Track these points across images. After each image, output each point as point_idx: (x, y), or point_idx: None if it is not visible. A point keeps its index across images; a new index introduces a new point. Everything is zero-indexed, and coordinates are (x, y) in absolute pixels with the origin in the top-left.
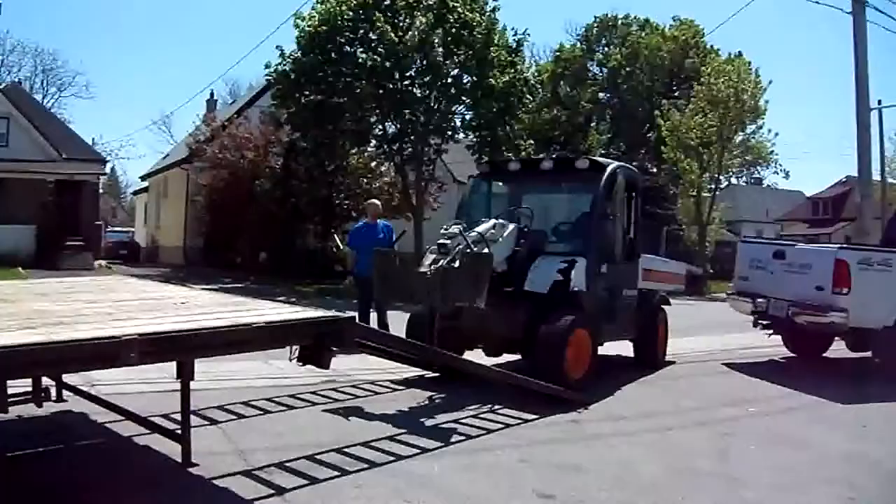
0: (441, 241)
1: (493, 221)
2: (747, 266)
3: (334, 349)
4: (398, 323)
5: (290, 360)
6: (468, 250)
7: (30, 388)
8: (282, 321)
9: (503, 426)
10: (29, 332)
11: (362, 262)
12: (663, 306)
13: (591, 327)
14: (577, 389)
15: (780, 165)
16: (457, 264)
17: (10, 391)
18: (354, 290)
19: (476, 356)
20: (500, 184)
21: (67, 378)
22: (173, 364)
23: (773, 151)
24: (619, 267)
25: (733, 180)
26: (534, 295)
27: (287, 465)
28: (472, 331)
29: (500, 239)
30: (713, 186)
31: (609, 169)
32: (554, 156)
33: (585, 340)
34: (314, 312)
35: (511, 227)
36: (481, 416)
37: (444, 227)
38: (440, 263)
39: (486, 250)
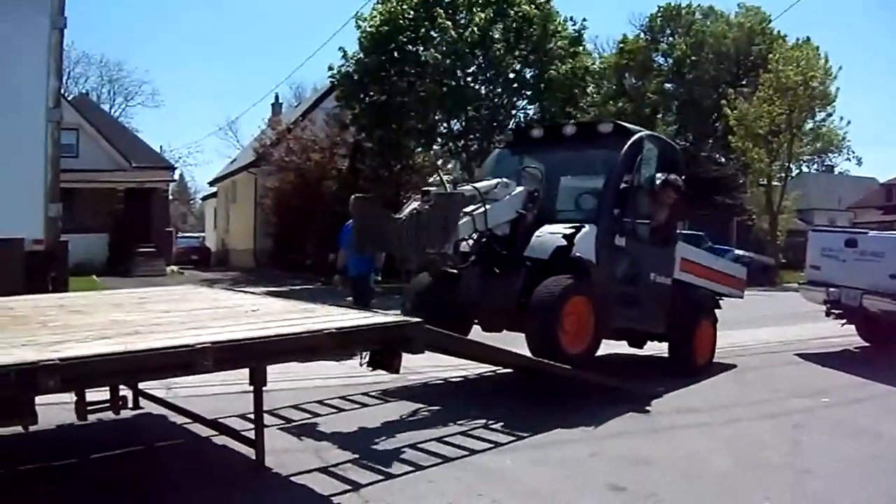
0: (425, 188)
1: (497, 180)
2: (819, 255)
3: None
4: None
5: (361, 364)
6: (441, 193)
7: (107, 396)
8: (351, 327)
9: (572, 420)
10: (106, 342)
11: (351, 261)
12: (712, 307)
13: (597, 299)
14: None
15: (853, 152)
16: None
17: (87, 399)
18: (342, 289)
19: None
20: (526, 154)
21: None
22: None
23: (844, 138)
24: (644, 246)
25: (804, 168)
26: (534, 262)
27: (361, 461)
28: (468, 301)
29: (505, 198)
30: (783, 175)
31: (636, 135)
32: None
33: (587, 311)
34: (383, 318)
35: (519, 189)
36: (550, 410)
37: (434, 178)
38: (415, 208)
39: (485, 207)
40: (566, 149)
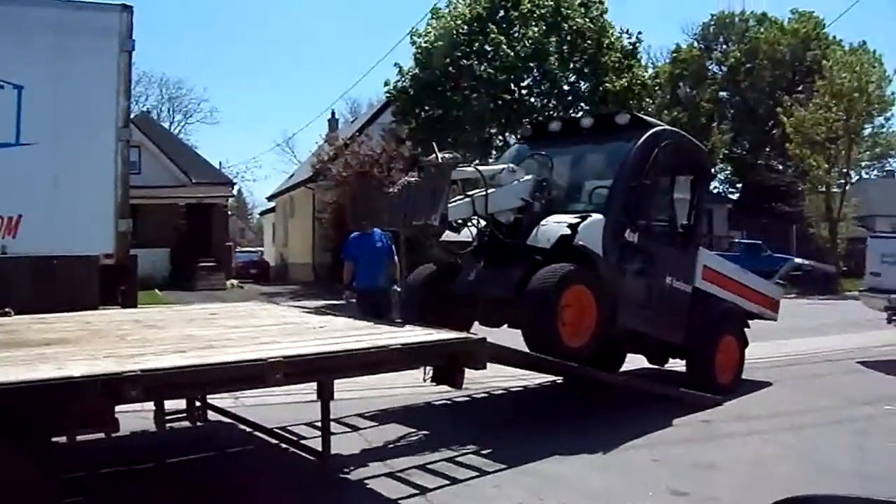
0: (420, 164)
1: (503, 166)
2: (879, 261)
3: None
4: None
5: (424, 380)
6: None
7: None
8: (416, 343)
9: (633, 427)
10: (182, 356)
11: (362, 273)
12: (739, 325)
13: (601, 290)
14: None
15: None
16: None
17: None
18: (354, 305)
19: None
20: (545, 148)
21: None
22: None
23: None
24: (660, 246)
25: (864, 174)
26: (537, 252)
27: (428, 466)
28: (467, 293)
29: (512, 184)
30: (843, 182)
31: (654, 128)
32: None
33: (589, 302)
34: (447, 334)
35: (527, 176)
36: (612, 416)
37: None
38: (406, 180)
39: (486, 191)
40: (584, 142)
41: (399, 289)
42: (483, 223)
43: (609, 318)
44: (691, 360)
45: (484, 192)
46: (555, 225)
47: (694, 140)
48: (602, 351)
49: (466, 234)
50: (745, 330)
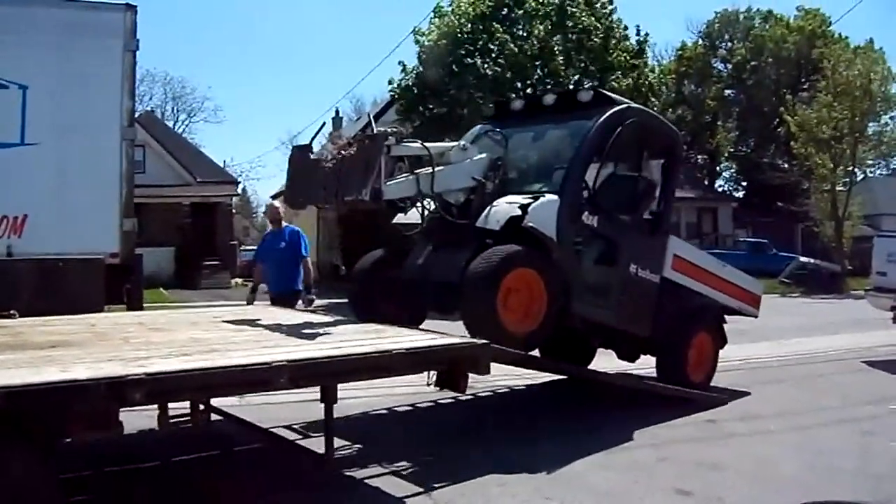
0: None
1: (453, 143)
2: (885, 261)
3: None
4: None
5: (428, 384)
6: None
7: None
8: (419, 348)
9: (639, 426)
10: (187, 359)
11: (271, 277)
12: (714, 320)
13: (552, 275)
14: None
15: None
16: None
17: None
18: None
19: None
20: (507, 128)
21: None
22: None
23: None
24: (623, 231)
25: (869, 172)
26: (487, 234)
27: (432, 465)
28: (415, 279)
29: (464, 163)
30: (848, 180)
31: (619, 106)
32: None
33: (538, 287)
34: (450, 339)
35: (480, 155)
36: (616, 415)
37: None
38: (341, 154)
39: (433, 169)
40: (546, 120)
41: (313, 296)
42: (428, 202)
43: (561, 305)
44: (661, 355)
45: (430, 170)
46: (506, 206)
47: (666, 121)
48: (568, 345)
49: (413, 215)
50: (723, 326)
